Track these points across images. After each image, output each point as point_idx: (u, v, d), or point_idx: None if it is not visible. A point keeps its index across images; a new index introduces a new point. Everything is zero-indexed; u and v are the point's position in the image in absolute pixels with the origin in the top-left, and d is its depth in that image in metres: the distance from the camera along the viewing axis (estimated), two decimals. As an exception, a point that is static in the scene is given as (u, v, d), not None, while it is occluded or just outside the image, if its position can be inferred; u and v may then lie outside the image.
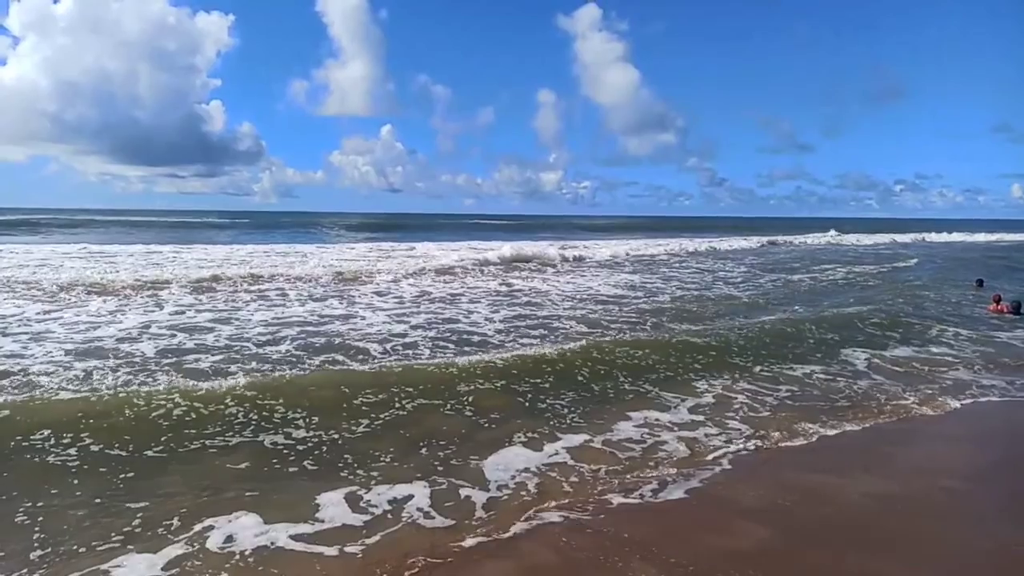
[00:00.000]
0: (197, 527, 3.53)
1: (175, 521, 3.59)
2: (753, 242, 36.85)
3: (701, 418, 5.66)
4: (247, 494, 3.96)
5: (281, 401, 5.54)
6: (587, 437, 5.14)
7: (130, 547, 3.32)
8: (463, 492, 4.14)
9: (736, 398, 6.26)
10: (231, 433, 4.91)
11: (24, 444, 4.54)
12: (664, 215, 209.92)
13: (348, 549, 3.38)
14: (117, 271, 14.20)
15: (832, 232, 47.63)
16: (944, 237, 48.83)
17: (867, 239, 42.59)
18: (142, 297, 11.28)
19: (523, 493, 4.14)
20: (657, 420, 5.58)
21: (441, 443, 4.93)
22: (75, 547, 3.31)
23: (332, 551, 3.35)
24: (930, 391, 6.64)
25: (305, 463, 4.50)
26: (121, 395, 5.49)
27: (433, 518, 3.77)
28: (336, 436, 4.97)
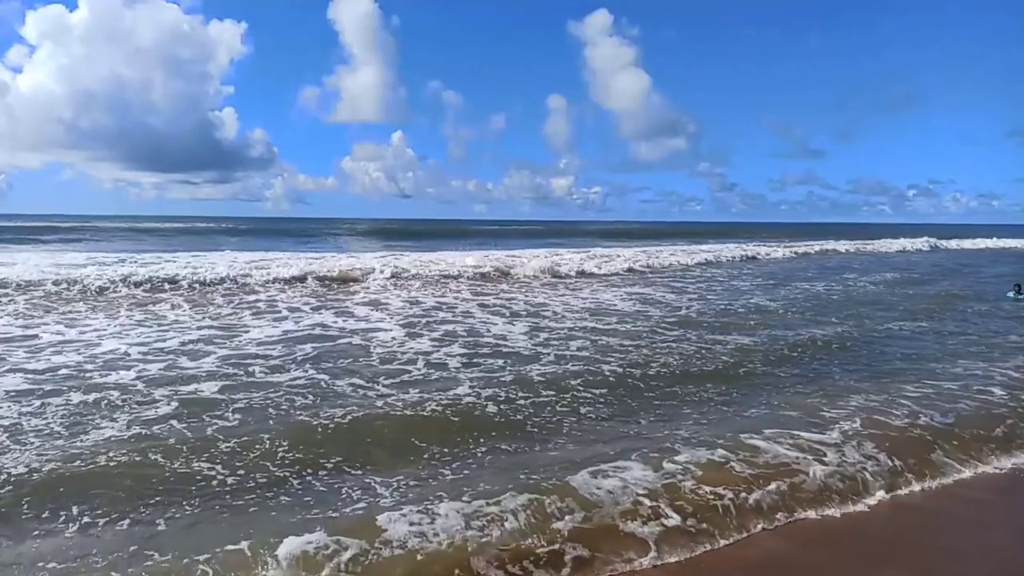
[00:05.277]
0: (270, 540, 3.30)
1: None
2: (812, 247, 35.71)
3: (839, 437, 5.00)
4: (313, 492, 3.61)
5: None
6: (718, 454, 4.58)
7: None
8: (550, 508, 3.70)
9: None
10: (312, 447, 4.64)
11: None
12: (675, 220, 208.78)
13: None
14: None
15: (925, 238, 46.74)
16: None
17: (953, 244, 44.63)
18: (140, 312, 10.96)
19: (618, 524, 3.67)
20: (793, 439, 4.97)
21: (547, 448, 4.74)
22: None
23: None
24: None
25: (372, 476, 4.13)
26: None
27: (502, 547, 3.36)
28: (418, 438, 4.73)
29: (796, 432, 5.04)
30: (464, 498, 3.79)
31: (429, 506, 3.67)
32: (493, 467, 4.43)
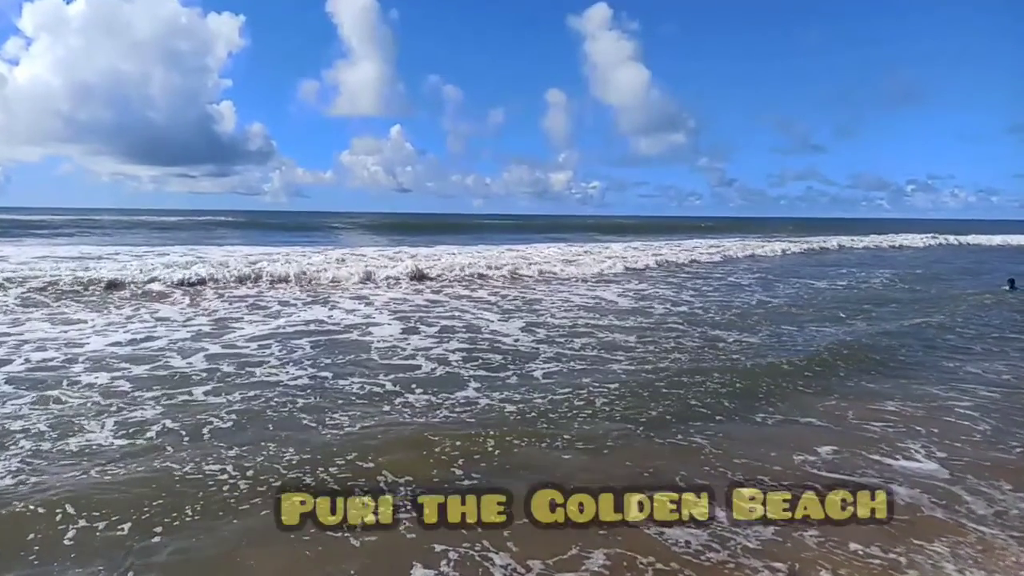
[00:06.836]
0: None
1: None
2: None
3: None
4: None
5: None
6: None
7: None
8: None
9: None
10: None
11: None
12: (674, 215, 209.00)
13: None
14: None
15: (932, 235, 44.80)
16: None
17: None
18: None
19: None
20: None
21: (567, 456, 4.40)
22: None
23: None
24: None
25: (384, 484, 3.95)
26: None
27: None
28: (432, 447, 4.48)
29: (864, 453, 4.53)
30: (511, 545, 3.21)
31: (472, 553, 3.17)
32: (519, 480, 3.99)
